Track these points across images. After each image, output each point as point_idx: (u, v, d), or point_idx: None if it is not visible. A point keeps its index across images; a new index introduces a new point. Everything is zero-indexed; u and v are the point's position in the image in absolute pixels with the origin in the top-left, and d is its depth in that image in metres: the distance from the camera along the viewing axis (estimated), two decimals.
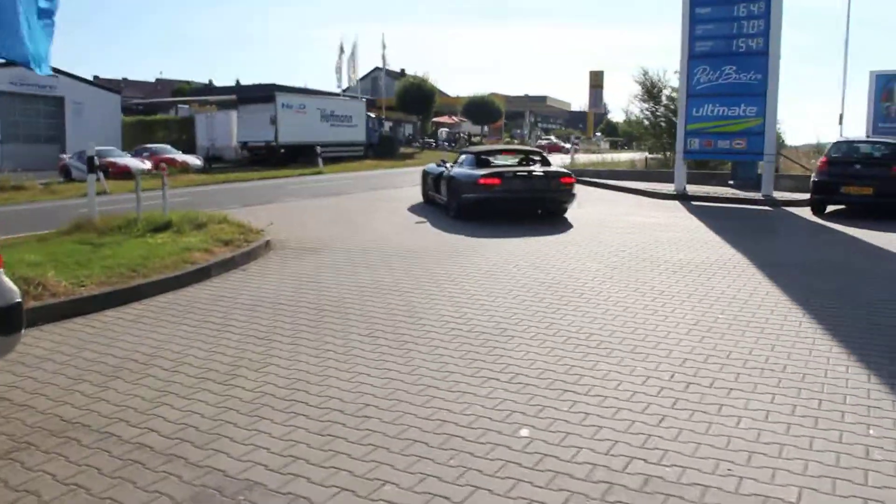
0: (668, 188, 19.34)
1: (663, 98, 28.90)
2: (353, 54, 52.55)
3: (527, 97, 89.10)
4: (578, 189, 14.76)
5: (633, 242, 11.09)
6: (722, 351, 5.69)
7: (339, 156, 40.26)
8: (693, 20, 18.26)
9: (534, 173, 14.05)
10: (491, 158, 15.43)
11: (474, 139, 71.69)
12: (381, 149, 47.47)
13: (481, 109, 65.54)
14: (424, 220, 13.96)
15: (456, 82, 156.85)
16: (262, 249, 10.03)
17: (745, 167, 20.40)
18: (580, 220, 13.78)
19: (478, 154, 15.43)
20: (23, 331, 4.47)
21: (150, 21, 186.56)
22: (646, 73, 28.84)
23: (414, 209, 15.81)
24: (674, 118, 28.07)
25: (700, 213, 15.01)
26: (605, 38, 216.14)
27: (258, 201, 17.79)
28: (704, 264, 9.36)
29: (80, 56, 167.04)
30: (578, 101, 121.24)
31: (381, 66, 63.18)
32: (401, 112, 59.26)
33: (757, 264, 9.36)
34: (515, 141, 70.20)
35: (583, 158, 32.52)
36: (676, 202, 17.28)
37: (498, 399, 4.63)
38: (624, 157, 35.84)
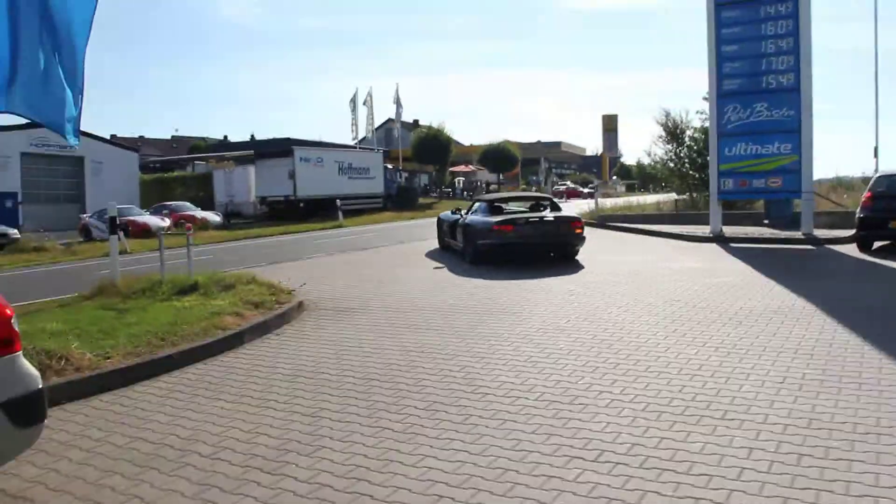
0: (702, 230, 18.75)
1: (686, 139, 28.47)
2: (369, 105, 52.71)
3: (540, 143, 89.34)
4: (615, 236, 14.65)
5: (685, 290, 10.47)
6: (823, 413, 5.05)
7: (359, 208, 39.98)
8: (720, 58, 17.89)
9: (545, 219, 14.54)
10: (503, 206, 15.97)
11: (492, 187, 71.54)
12: (400, 200, 47.23)
13: (497, 157, 65.48)
14: (450, 267, 13.52)
15: (469, 131, 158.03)
16: (294, 311, 9.49)
17: (778, 206, 19.80)
18: (622, 267, 13.21)
19: (491, 202, 15.90)
20: (45, 420, 3.94)
21: (164, 79, 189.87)
22: (668, 115, 28.52)
23: (436, 258, 15.38)
24: (698, 158, 27.68)
25: (743, 256, 14.38)
26: (612, 81, 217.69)
27: (283, 258, 17.34)
28: (767, 312, 8.72)
29: (98, 115, 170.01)
30: (591, 145, 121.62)
31: (393, 116, 63.58)
32: (416, 162, 59.24)
33: (824, 309, 8.70)
34: (533, 188, 69.97)
35: (607, 203, 32.00)
36: (715, 245, 16.67)
37: (590, 484, 4.01)
38: (649, 199, 35.31)
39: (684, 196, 30.40)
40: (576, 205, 47.76)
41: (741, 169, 17.79)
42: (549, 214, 14.85)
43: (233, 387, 6.26)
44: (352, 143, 54.41)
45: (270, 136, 63.98)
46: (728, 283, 10.97)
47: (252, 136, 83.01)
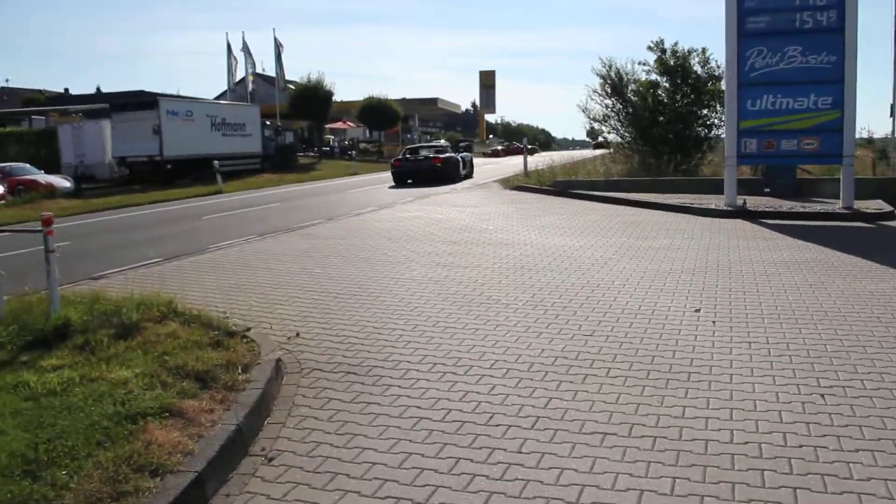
0: (707, 201, 15.25)
1: (629, 93, 24.99)
2: (246, 51, 46.70)
3: (416, 100, 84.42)
4: (601, 209, 15.92)
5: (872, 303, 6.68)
6: None
7: (234, 170, 34.45)
8: None
9: (417, 158, 28.62)
10: (419, 150, 30.93)
11: (363, 146, 66.56)
12: (279, 160, 41.72)
13: (377, 113, 60.27)
14: (445, 266, 9.18)
15: (339, 88, 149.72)
16: (273, 386, 4.96)
17: (782, 172, 16.56)
18: (694, 257, 9.31)
19: (410, 148, 32.42)
20: None
21: None
22: (610, 66, 24.84)
23: (406, 243, 10.95)
24: (645, 115, 24.31)
25: (818, 239, 10.87)
26: (482, 41, 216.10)
27: (180, 247, 12.23)
28: None
29: None
30: (465, 104, 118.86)
31: (256, 70, 57.12)
32: (296, 118, 53.66)
33: None
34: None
35: (535, 163, 27.95)
36: (745, 223, 13.08)
37: None
38: (576, 156, 31.80)
39: (618, 154, 27.24)
40: (508, 164, 43.56)
41: (767, 127, 14.26)
42: (422, 155, 28.98)
43: None
44: (229, 93, 48.49)
45: (120, 90, 55.80)
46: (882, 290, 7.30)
47: (98, 88, 73.61)
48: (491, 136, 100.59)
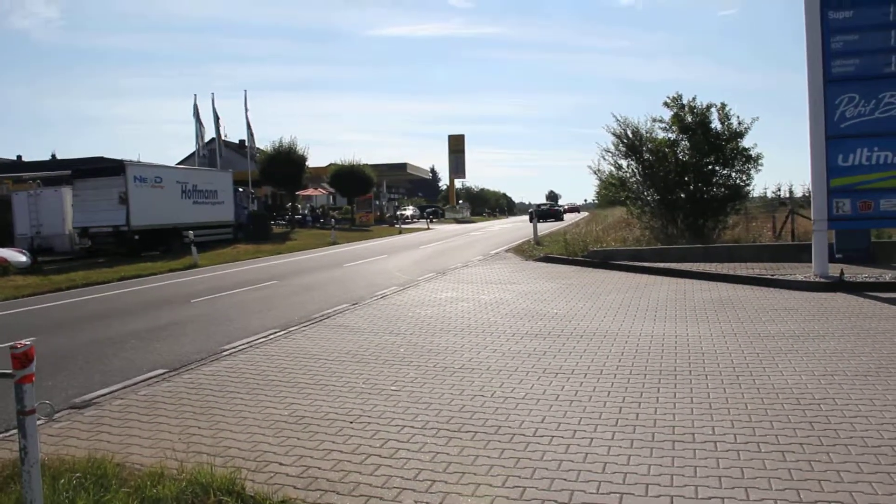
0: (786, 271, 13.20)
1: (644, 152, 23.09)
2: (213, 115, 44.41)
3: (373, 165, 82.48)
4: (664, 285, 13.11)
5: None
6: None
7: (205, 240, 31.85)
8: (827, 30, 12.42)
9: (545, 208, 69.25)
10: (542, 206, 75.08)
11: (331, 212, 64.34)
12: (252, 230, 39.18)
13: (351, 179, 58.03)
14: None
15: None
16: None
17: (854, 236, 14.61)
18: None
19: (539, 205, 79.46)
20: None
21: None
22: (626, 123, 22.99)
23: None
24: (669, 176, 22.38)
25: None
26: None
27: (183, 348, 9.55)
28: None
29: None
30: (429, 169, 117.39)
31: (222, 136, 54.78)
32: (268, 185, 51.34)
33: None
34: (388, 214, 63.26)
35: (544, 231, 25.68)
36: (859, 298, 10.99)
37: None
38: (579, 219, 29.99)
39: (633, 218, 25.33)
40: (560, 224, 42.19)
41: (864, 185, 12.35)
42: (545, 207, 71.42)
43: None
44: (197, 158, 46.12)
45: (75, 157, 52.62)
46: None
47: (53, 155, 69.81)
48: (460, 201, 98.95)
